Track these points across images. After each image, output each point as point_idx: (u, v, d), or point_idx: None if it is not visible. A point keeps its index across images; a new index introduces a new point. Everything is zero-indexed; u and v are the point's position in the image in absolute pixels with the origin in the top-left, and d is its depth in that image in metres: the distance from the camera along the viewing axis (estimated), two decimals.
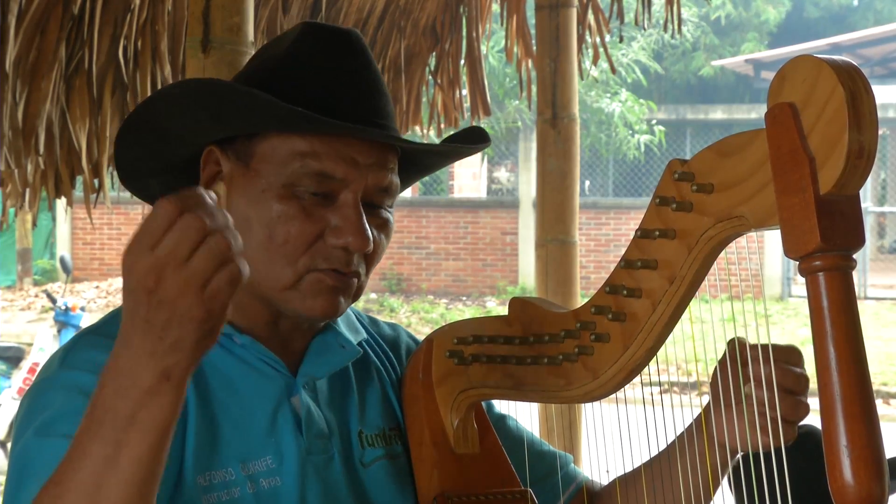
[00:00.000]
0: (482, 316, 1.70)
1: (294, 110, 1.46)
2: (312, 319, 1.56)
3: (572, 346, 1.49)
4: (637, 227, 1.40)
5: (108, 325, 1.55)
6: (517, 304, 1.59)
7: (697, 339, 1.57)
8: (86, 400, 1.23)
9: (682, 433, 1.64)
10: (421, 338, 1.75)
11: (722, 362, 1.55)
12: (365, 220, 1.50)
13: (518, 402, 1.66)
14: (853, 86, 1.17)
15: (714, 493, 1.62)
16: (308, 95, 1.50)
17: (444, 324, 1.73)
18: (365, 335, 1.70)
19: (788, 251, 1.21)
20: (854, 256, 1.20)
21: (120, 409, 1.16)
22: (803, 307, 15.95)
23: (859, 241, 1.20)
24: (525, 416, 1.81)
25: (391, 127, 1.56)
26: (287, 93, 1.49)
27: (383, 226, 1.56)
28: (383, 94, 1.56)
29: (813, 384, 1.29)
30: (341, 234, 1.50)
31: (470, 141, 1.63)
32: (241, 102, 1.49)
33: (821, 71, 1.19)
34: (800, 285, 17.28)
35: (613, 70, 4.73)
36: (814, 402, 1.24)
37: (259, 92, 1.48)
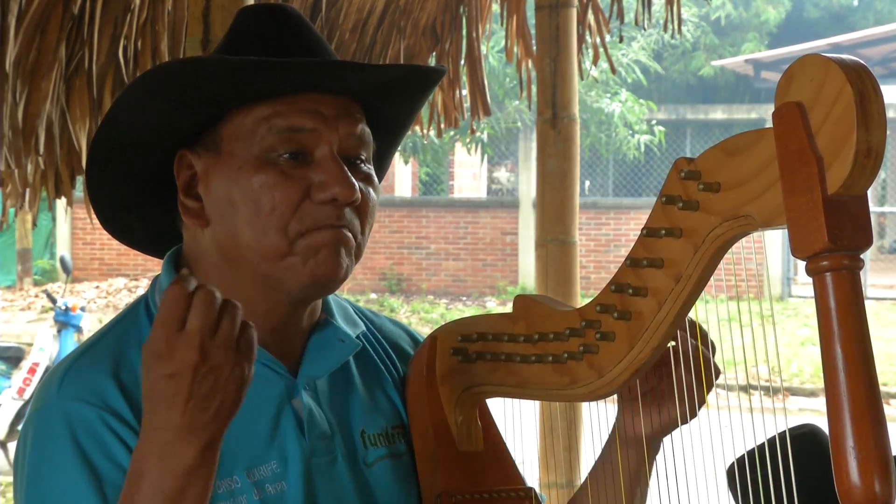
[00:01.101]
0: (486, 313, 1.70)
1: (246, 59, 1.47)
2: (319, 284, 1.53)
3: (577, 344, 1.49)
4: (637, 226, 1.40)
5: (105, 342, 1.54)
6: (522, 301, 1.58)
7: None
8: (87, 471, 1.39)
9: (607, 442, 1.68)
10: (422, 337, 1.75)
11: None
12: (346, 170, 1.50)
13: (521, 401, 1.66)
14: (861, 85, 1.16)
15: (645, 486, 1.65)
16: (261, 52, 1.51)
17: (444, 323, 1.72)
18: (363, 328, 1.68)
19: (796, 251, 1.21)
20: (862, 256, 1.20)
21: (168, 488, 1.31)
22: (803, 307, 15.96)
23: (867, 241, 1.20)
24: (526, 415, 1.81)
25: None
26: (239, 52, 1.52)
27: (367, 180, 1.54)
28: (328, 47, 1.57)
29: (820, 384, 1.29)
30: (326, 187, 1.49)
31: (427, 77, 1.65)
32: (196, 73, 1.50)
33: (829, 70, 1.18)
34: (800, 285, 17.28)
35: (613, 70, 4.72)
36: (816, 403, 1.23)
37: (207, 56, 1.50)
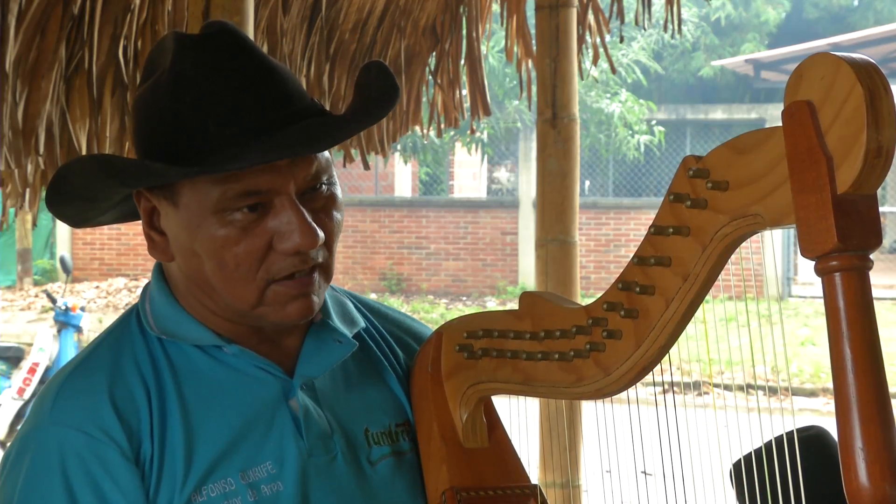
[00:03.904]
0: (492, 310, 1.69)
1: (188, 172, 1.43)
2: (293, 323, 1.55)
3: (583, 342, 1.48)
4: (637, 226, 1.39)
5: (98, 355, 1.55)
6: (528, 298, 1.58)
7: (699, 339, 1.56)
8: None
9: None
10: (429, 330, 1.75)
11: None
12: (307, 216, 1.47)
13: (522, 401, 1.65)
14: (872, 84, 1.16)
15: None
16: (205, 119, 1.45)
17: (449, 319, 1.72)
18: (363, 324, 1.67)
19: (805, 251, 1.20)
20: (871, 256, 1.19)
21: None
22: (803, 307, 15.96)
23: (877, 241, 1.19)
24: (526, 414, 1.81)
25: (296, 105, 1.49)
26: (184, 121, 1.46)
27: (329, 203, 1.52)
28: (277, 82, 1.49)
29: (819, 384, 1.28)
30: (288, 238, 1.46)
31: (380, 101, 1.53)
32: (136, 172, 1.48)
33: (839, 69, 1.17)
34: (799, 285, 17.27)
35: (613, 70, 4.71)
36: (816, 403, 1.23)
37: (149, 163, 1.46)
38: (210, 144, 1.44)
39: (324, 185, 1.51)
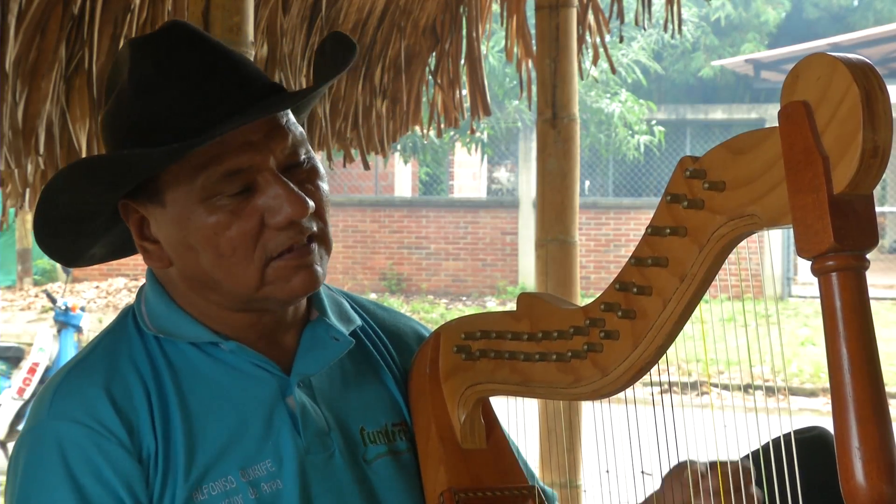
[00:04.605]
0: (490, 310, 1.69)
1: (169, 149, 1.44)
2: (299, 297, 1.55)
3: (581, 342, 1.48)
4: (637, 226, 1.39)
5: (96, 355, 1.55)
6: (525, 299, 1.58)
7: (698, 339, 1.56)
8: (76, 495, 1.41)
9: None
10: (428, 331, 1.75)
11: (667, 480, 1.59)
12: (293, 186, 1.48)
13: (522, 401, 1.65)
14: (868, 84, 1.16)
15: None
16: (174, 115, 1.47)
17: (448, 320, 1.72)
18: (360, 322, 1.68)
19: (801, 251, 1.21)
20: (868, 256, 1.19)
21: None
22: (803, 307, 15.96)
23: (873, 241, 1.20)
24: (526, 415, 1.81)
25: (258, 84, 1.52)
26: (154, 123, 1.48)
27: (311, 174, 1.53)
28: (238, 65, 1.52)
29: (820, 384, 1.28)
30: (278, 211, 1.48)
31: (338, 61, 1.56)
32: (120, 165, 1.49)
33: (835, 69, 1.17)
34: (800, 285, 17.26)
35: (613, 70, 4.71)
36: (816, 403, 1.23)
37: (129, 152, 1.47)
38: (187, 133, 1.46)
39: (303, 159, 1.53)
